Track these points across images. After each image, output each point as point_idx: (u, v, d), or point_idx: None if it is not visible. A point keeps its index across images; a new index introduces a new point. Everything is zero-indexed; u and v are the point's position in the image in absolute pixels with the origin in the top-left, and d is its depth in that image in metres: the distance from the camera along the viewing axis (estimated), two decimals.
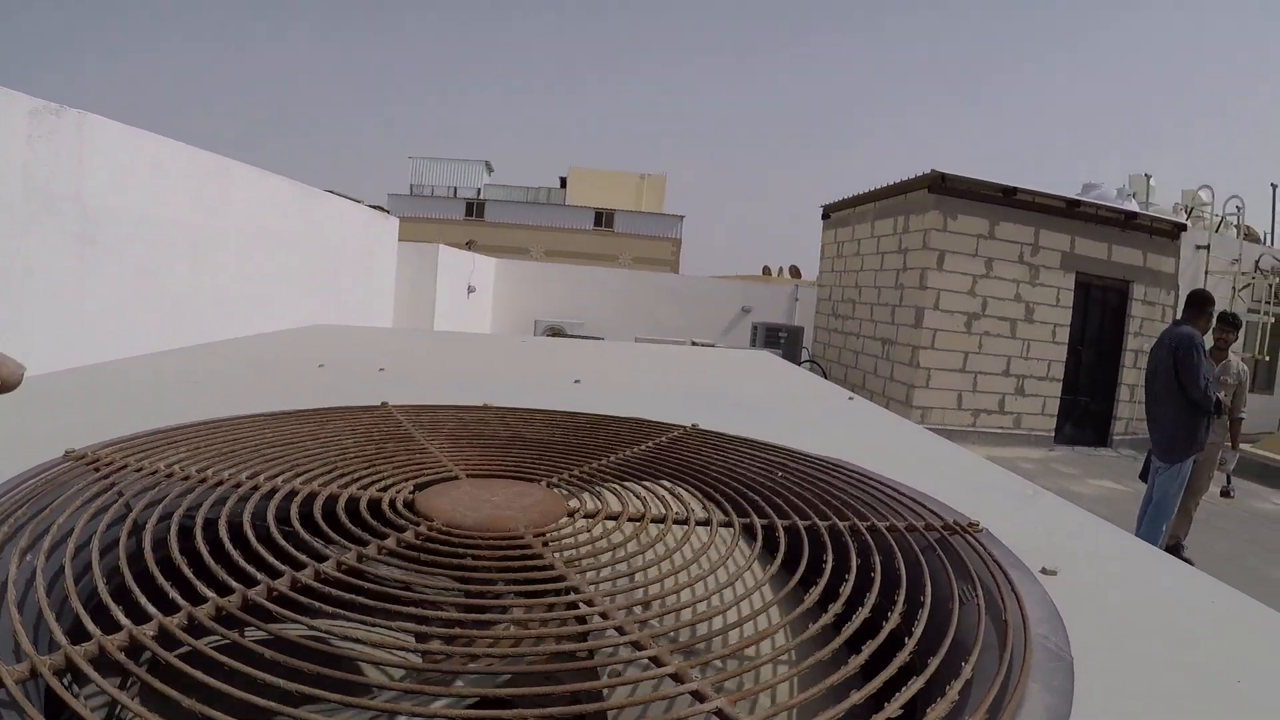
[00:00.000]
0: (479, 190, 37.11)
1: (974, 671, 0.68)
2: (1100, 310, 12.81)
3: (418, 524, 0.94)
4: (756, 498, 1.15)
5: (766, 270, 33.89)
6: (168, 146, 3.94)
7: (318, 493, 1.04)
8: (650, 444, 1.51)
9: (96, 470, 1.06)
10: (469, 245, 16.45)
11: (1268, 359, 14.50)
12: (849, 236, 15.25)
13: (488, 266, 17.08)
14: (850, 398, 2.68)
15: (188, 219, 4.05)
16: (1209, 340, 6.56)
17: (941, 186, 12.01)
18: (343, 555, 0.83)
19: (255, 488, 1.05)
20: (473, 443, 1.46)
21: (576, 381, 2.51)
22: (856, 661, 0.67)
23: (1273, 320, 14.19)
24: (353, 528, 0.92)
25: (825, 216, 16.66)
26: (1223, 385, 6.66)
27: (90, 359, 2.78)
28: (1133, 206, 13.26)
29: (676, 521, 1.05)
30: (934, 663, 0.68)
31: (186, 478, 1.05)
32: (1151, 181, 15.09)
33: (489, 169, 39.27)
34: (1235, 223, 14.40)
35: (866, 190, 14.43)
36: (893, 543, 0.97)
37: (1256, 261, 14.18)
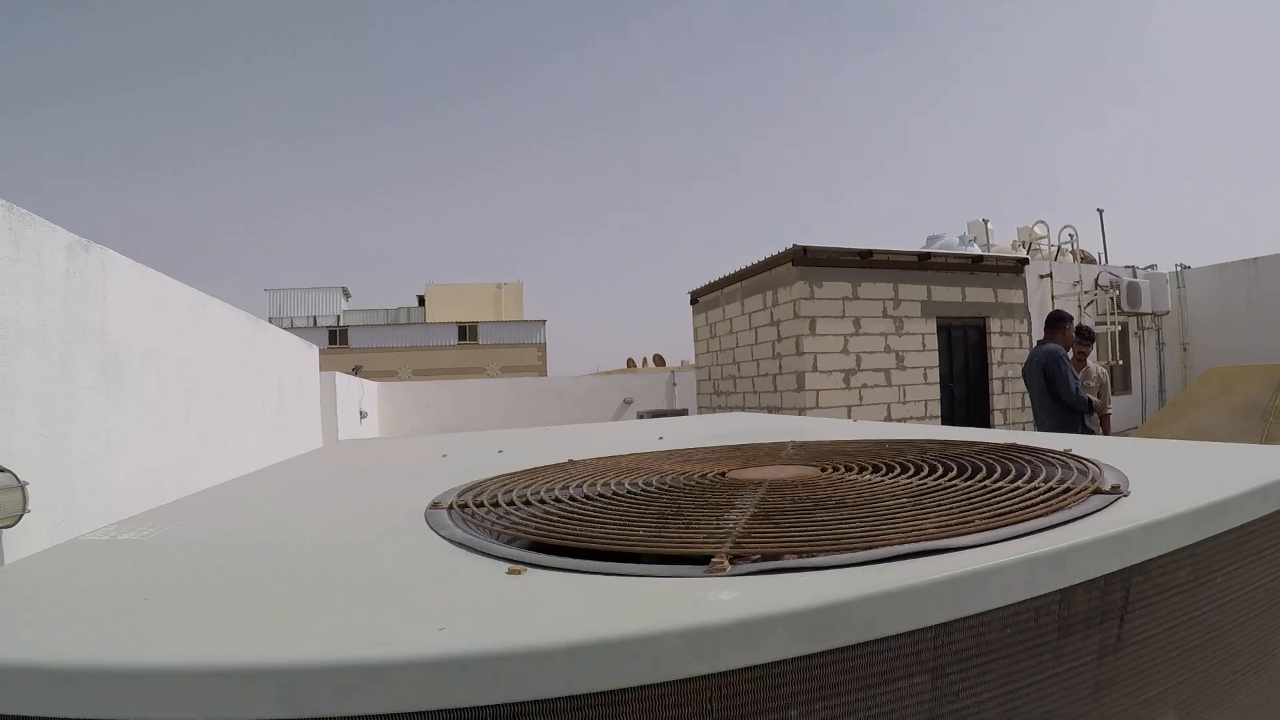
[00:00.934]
0: (339, 317, 36.80)
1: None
2: (964, 347, 13.90)
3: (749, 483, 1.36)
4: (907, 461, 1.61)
5: (631, 362, 34.65)
6: (162, 281, 4.04)
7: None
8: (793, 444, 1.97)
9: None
10: (356, 371, 16.42)
11: (1121, 363, 15.93)
12: (720, 317, 16.03)
13: (371, 390, 17.07)
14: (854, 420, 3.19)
15: (178, 353, 4.20)
16: (1071, 353, 7.47)
17: (804, 258, 12.91)
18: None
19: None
20: (692, 459, 1.90)
21: (660, 438, 2.92)
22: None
23: (1118, 328, 15.72)
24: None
25: (693, 301, 17.45)
26: (1087, 389, 7.57)
27: (115, 494, 2.97)
28: (975, 250, 14.57)
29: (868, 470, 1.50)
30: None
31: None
32: (989, 225, 16.57)
33: (346, 294, 39.02)
34: (1071, 249, 15.96)
35: (732, 271, 15.28)
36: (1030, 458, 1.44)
37: (1095, 280, 15.70)
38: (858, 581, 0.96)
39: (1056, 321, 7.42)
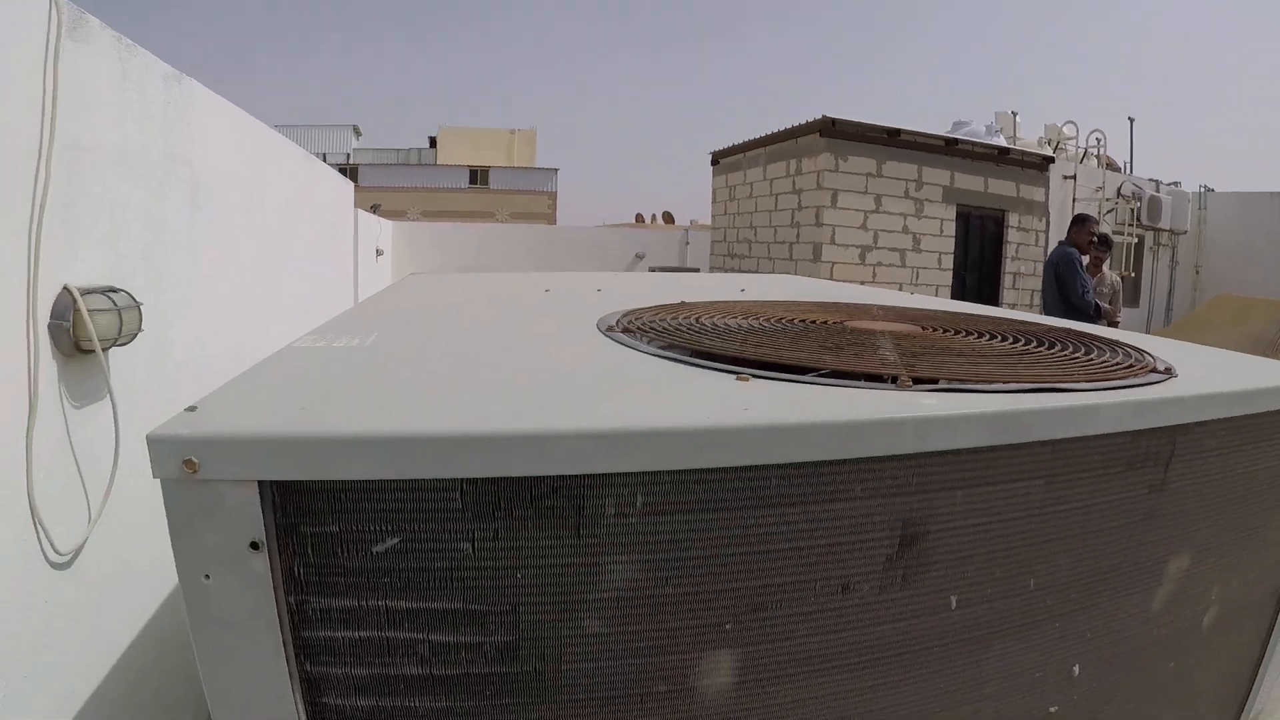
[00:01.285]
0: (349, 155, 36.50)
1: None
2: (980, 238, 14.17)
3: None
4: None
5: (639, 218, 34.68)
6: (236, 113, 4.22)
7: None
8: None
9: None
10: (374, 209, 16.59)
11: (1132, 275, 16.26)
12: (740, 180, 16.15)
13: (387, 228, 17.28)
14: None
15: (249, 185, 4.47)
16: (1088, 259, 7.73)
17: (832, 130, 12.99)
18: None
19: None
20: (796, 310, 2.24)
21: (742, 290, 3.25)
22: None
23: (1135, 240, 15.97)
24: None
25: (714, 162, 17.52)
26: (1099, 295, 7.87)
27: (204, 322, 3.26)
28: (1000, 141, 14.67)
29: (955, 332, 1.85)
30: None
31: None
32: (1017, 118, 16.58)
33: (357, 133, 38.58)
34: (1097, 154, 16.05)
35: (756, 136, 15.36)
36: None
37: (1118, 189, 15.86)
38: (1018, 400, 1.34)
39: (1079, 222, 7.63)
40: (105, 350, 2.22)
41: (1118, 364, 1.77)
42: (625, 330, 1.91)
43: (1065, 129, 16.74)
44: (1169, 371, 1.73)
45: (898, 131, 13.21)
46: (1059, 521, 1.40)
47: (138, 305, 2.38)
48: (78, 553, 2.16)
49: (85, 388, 2.23)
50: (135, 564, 2.64)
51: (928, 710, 1.38)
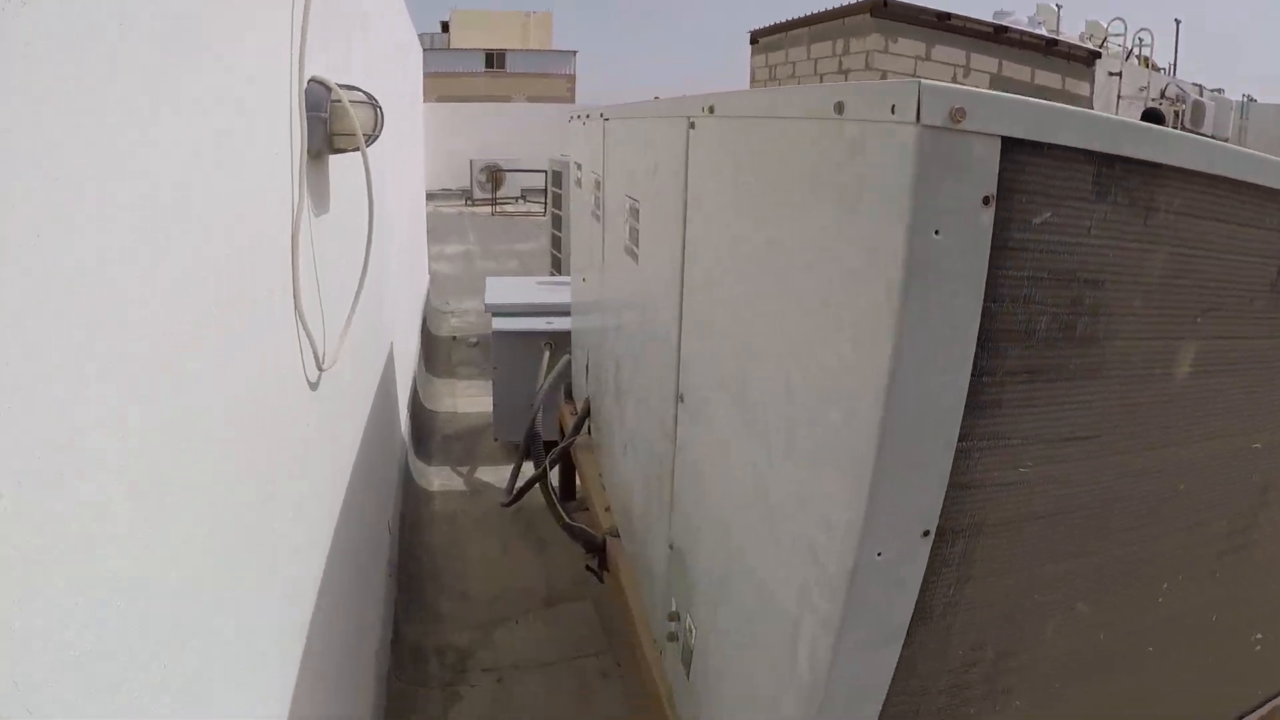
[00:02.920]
0: None
1: None
2: None
3: None
4: None
5: (657, 98, 34.08)
6: None
7: None
8: None
9: None
10: None
11: None
12: (781, 59, 16.00)
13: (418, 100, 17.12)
14: None
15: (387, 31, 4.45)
16: None
17: (883, 10, 12.90)
18: None
19: None
20: None
21: None
22: None
23: None
24: None
25: (753, 41, 17.32)
26: None
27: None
28: (1042, 32, 14.51)
29: None
30: None
31: None
32: (1060, 10, 16.33)
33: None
34: (1139, 54, 15.86)
35: (799, 15, 15.17)
36: None
37: (1163, 90, 15.73)
38: None
39: (1150, 118, 7.68)
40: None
41: None
42: None
43: (1111, 25, 16.48)
44: None
45: (948, 15, 13.10)
46: None
47: (375, 104, 2.22)
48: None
49: (324, 192, 2.13)
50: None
51: (1257, 415, 1.52)
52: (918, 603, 1.21)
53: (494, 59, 35.11)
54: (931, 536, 1.13)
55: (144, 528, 0.89)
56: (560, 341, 4.30)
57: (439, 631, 3.36)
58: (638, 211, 2.29)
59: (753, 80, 17.41)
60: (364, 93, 2.17)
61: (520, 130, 18.53)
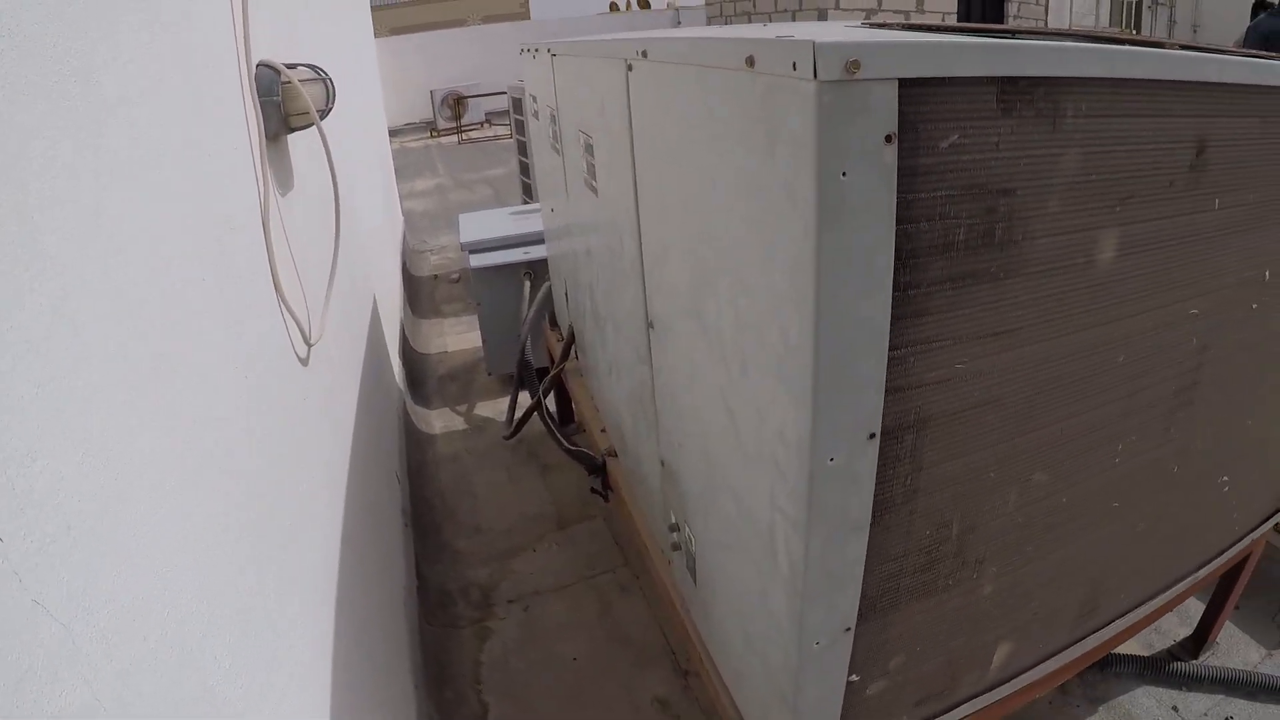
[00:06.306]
0: None
1: None
2: None
3: None
4: None
5: (614, 6, 33.42)
6: None
7: None
8: None
9: None
10: None
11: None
12: None
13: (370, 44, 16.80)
14: None
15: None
16: None
17: None
18: None
19: None
20: None
21: None
22: None
23: None
24: None
25: None
26: None
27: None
28: None
29: None
30: None
31: None
32: None
33: None
34: None
35: None
36: None
37: None
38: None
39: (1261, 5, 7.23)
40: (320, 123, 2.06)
41: None
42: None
43: None
44: None
45: None
46: (1262, 151, 1.65)
47: (325, 79, 2.23)
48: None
49: (287, 169, 2.18)
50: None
51: (1189, 285, 1.66)
52: (877, 496, 1.33)
53: None
54: (877, 438, 1.25)
55: (167, 515, 1.01)
56: (539, 270, 4.38)
57: (460, 570, 3.52)
58: (592, 147, 2.35)
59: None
60: (312, 69, 2.20)
61: (478, 54, 18.22)
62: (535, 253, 4.49)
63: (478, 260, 4.56)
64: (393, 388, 4.20)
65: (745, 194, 1.26)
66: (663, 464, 2.15)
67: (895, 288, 1.17)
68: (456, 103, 16.92)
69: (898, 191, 1.12)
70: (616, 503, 3.00)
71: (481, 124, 17.18)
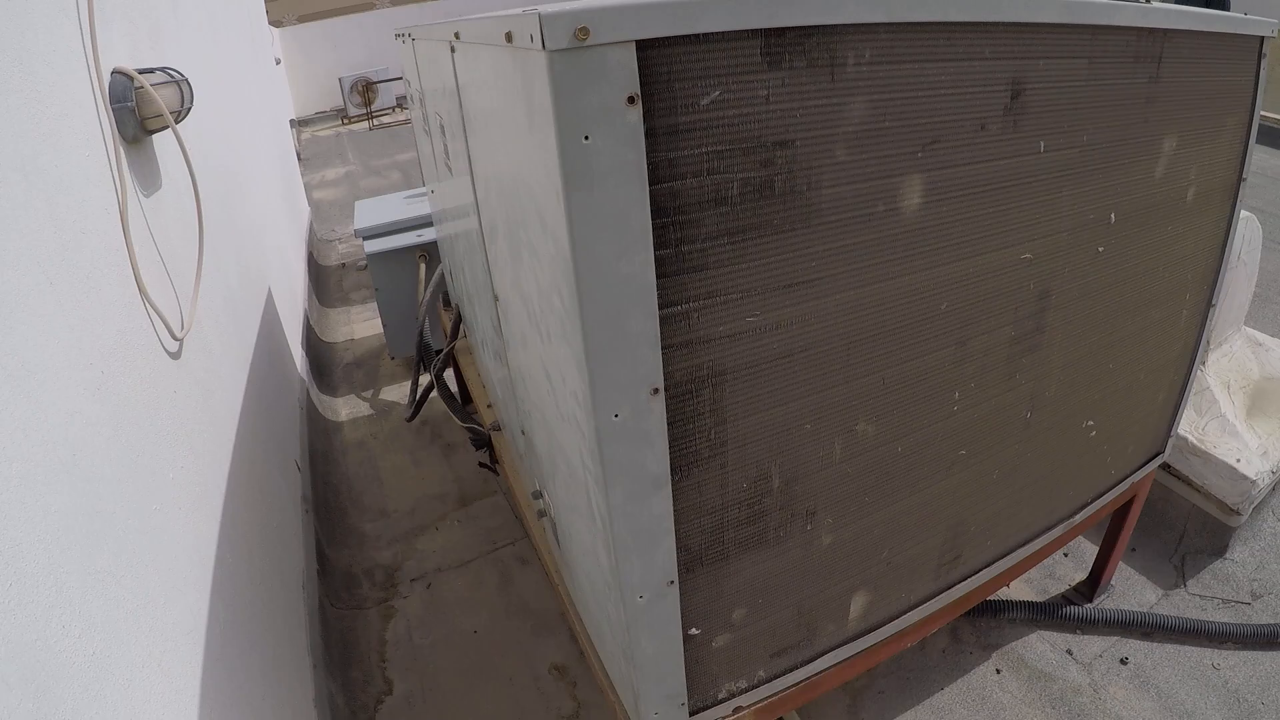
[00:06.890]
0: None
1: None
2: None
3: None
4: None
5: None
6: None
7: None
8: None
9: None
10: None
11: None
12: None
13: (276, 36, 16.45)
14: None
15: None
16: None
17: None
18: None
19: None
20: None
21: None
22: None
23: None
24: None
25: None
26: None
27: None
28: None
29: None
30: None
31: None
32: None
33: None
34: None
35: None
36: None
37: None
38: None
39: None
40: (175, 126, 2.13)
41: None
42: None
43: None
44: None
45: None
46: (1092, 94, 1.69)
47: (178, 81, 2.27)
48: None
49: (153, 170, 2.21)
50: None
51: (1019, 230, 1.70)
52: (680, 450, 1.38)
53: None
54: (662, 393, 1.30)
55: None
56: (433, 252, 4.41)
57: (365, 553, 3.55)
58: (444, 129, 2.38)
59: None
60: (168, 73, 2.25)
61: (388, 38, 17.92)
62: (428, 235, 4.51)
63: (372, 246, 4.55)
64: (293, 377, 4.19)
65: (525, 164, 1.30)
66: (523, 433, 2.21)
67: (666, 245, 1.21)
68: (366, 89, 16.66)
69: (658, 151, 1.15)
70: (504, 476, 3.05)
71: (393, 109, 16.95)
